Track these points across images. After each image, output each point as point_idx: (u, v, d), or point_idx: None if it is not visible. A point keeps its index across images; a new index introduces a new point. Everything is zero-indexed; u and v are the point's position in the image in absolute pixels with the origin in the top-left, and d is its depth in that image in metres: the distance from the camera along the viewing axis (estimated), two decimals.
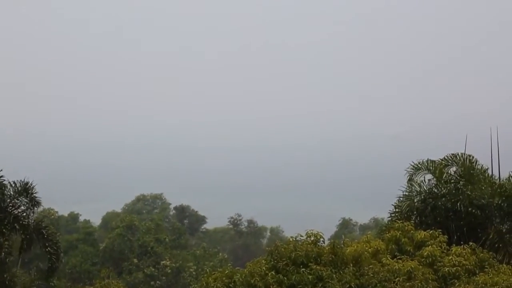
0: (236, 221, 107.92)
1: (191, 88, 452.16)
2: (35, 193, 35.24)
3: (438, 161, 31.08)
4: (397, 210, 30.90)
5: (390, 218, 31.19)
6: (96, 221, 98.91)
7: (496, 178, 30.75)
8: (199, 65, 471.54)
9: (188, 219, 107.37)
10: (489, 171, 31.11)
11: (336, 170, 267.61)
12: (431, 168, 30.68)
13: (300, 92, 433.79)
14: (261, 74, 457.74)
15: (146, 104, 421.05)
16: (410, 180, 31.17)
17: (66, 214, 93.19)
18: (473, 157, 31.00)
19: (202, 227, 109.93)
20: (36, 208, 35.48)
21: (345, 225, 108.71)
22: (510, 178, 29.63)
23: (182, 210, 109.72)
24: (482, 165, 30.90)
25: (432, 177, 30.66)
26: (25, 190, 34.85)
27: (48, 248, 34.54)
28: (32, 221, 34.97)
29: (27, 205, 34.69)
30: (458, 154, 31.20)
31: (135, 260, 71.63)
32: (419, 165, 30.93)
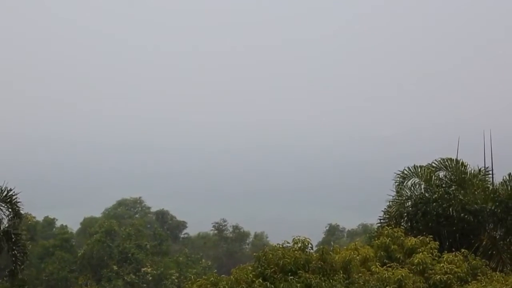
0: (220, 226, 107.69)
1: (176, 87, 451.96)
2: (18, 202, 33.48)
3: (428, 166, 31.22)
4: (386, 215, 30.99)
5: (379, 224, 31.25)
6: (74, 226, 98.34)
7: (490, 182, 30.89)
8: (190, 64, 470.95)
9: (168, 224, 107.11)
10: (482, 175, 31.27)
11: (323, 174, 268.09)
12: (420, 174, 30.82)
13: (287, 95, 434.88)
14: (247, 75, 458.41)
15: (127, 104, 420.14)
16: (400, 185, 31.27)
17: (41, 219, 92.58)
18: (465, 161, 31.15)
19: (184, 233, 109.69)
20: (18, 220, 34.20)
21: (332, 231, 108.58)
22: (504, 182, 29.76)
23: (162, 215, 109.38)
24: (478, 167, 31.11)
25: (422, 183, 30.79)
26: (5, 199, 33.52)
27: (15, 251, 34.02)
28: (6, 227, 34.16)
29: (8, 215, 33.55)
30: (449, 159, 31.32)
31: (115, 267, 71.24)
32: (407, 171, 31.10)
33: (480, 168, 31.10)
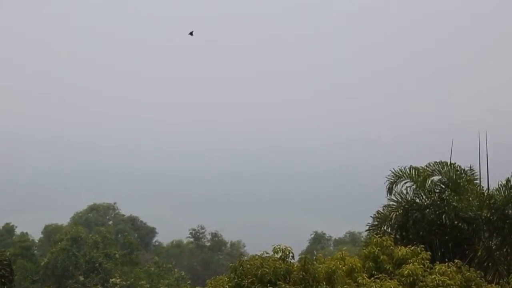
0: (198, 233, 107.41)
1: (153, 85, 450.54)
2: None
3: (422, 168, 31.19)
4: (375, 223, 31.02)
5: (367, 233, 31.32)
6: (36, 233, 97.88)
7: (485, 188, 30.95)
8: (164, 61, 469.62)
9: (138, 231, 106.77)
10: (477, 180, 31.37)
11: (308, 179, 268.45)
12: (413, 176, 30.81)
13: (274, 96, 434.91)
14: (232, 74, 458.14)
15: (99, 102, 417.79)
16: (390, 189, 31.30)
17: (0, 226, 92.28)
18: (459, 166, 31.19)
19: (154, 240, 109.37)
20: None
21: (318, 240, 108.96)
22: (500, 188, 29.78)
23: (132, 222, 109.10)
24: (472, 169, 31.15)
25: (414, 186, 30.78)
26: None
27: (2, 271, 33.75)
28: None
29: None
30: (442, 162, 31.36)
31: (81, 278, 70.87)
32: (400, 172, 31.04)
33: (470, 167, 31.09)
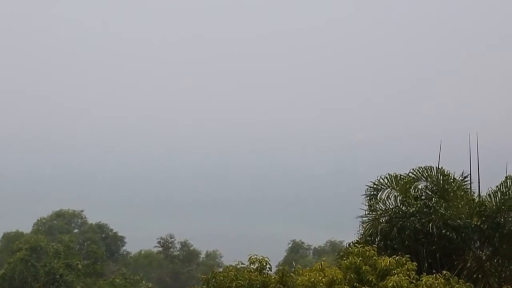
0: (166, 243, 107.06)
1: (124, 84, 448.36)
2: None
3: (405, 175, 31.30)
4: (358, 231, 31.08)
5: (347, 242, 31.30)
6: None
7: (475, 195, 31.05)
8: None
9: (106, 240, 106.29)
10: (467, 186, 31.50)
11: (286, 184, 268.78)
12: (395, 185, 30.94)
13: (254, 95, 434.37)
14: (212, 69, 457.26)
15: (65, 100, 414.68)
16: (372, 196, 31.35)
17: None
18: (448, 171, 31.29)
19: (122, 250, 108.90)
20: None
21: (296, 249, 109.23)
22: (491, 194, 29.89)
23: (99, 229, 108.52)
24: (465, 177, 31.26)
25: (398, 193, 30.89)
26: None
27: None
28: None
29: None
30: (429, 167, 31.46)
31: None
32: (381, 181, 31.15)
33: (463, 174, 31.17)
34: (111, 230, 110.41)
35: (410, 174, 31.45)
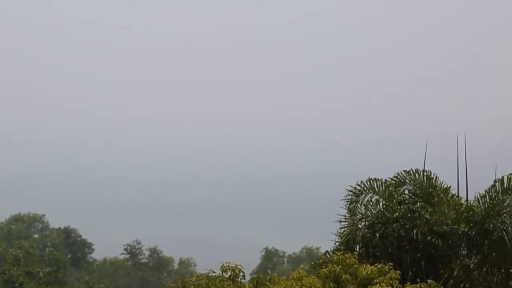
0: (134, 250, 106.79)
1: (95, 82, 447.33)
2: None
3: (388, 179, 31.15)
4: (337, 238, 30.77)
5: (324, 249, 31.45)
6: None
7: (463, 199, 30.87)
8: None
9: (71, 246, 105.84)
10: (454, 191, 31.27)
11: (260, 188, 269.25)
12: (377, 189, 30.78)
13: (226, 93, 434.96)
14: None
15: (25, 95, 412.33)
16: (353, 201, 31.11)
17: None
18: (432, 173, 31.07)
19: (89, 257, 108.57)
20: None
21: (270, 257, 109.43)
22: (480, 199, 29.73)
23: (66, 235, 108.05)
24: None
25: (380, 198, 30.70)
26: None
27: None
28: None
29: None
30: (413, 170, 31.29)
31: None
32: (362, 185, 30.96)
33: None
34: (80, 236, 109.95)
35: (394, 178, 31.34)
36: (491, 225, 28.97)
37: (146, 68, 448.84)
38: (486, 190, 29.82)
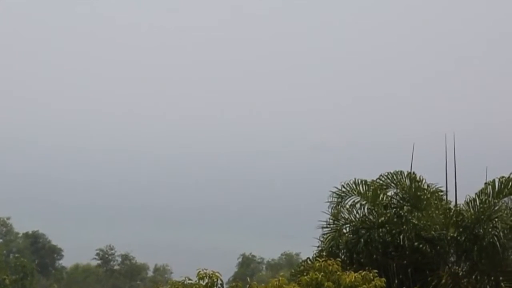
0: (106, 255, 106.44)
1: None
2: None
3: (373, 181, 31.07)
4: (318, 243, 30.63)
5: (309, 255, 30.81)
6: None
7: (452, 203, 30.74)
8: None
9: (39, 252, 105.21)
10: (443, 194, 31.14)
11: (238, 192, 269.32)
12: (362, 192, 30.66)
13: (199, 91, 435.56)
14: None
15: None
16: (336, 205, 31.01)
17: None
18: (420, 176, 30.92)
19: (58, 263, 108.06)
20: None
21: (247, 263, 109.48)
22: (469, 203, 29.57)
23: (34, 240, 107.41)
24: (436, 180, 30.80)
25: (365, 202, 30.61)
26: None
27: None
28: None
29: None
30: (399, 172, 31.18)
31: None
32: (345, 188, 30.86)
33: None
34: (48, 241, 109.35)
35: (379, 180, 31.23)
36: (482, 230, 28.79)
37: (119, 63, 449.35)
38: (476, 194, 29.71)
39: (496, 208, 29.16)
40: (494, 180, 29.68)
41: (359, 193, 30.79)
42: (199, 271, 23.57)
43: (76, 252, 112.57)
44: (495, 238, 28.23)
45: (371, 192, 30.56)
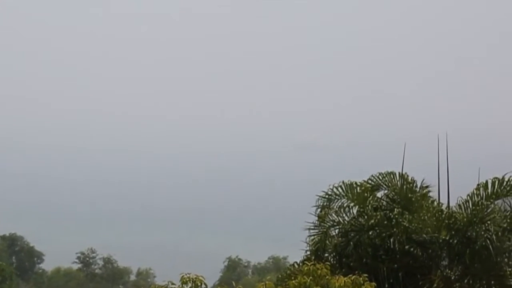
0: (87, 259, 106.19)
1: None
2: None
3: (363, 182, 30.92)
4: (306, 247, 30.65)
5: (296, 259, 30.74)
6: None
7: (444, 205, 30.55)
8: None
9: (17, 255, 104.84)
10: (435, 196, 30.99)
11: (224, 194, 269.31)
12: (351, 194, 30.56)
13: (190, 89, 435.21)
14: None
15: None
16: (324, 207, 30.85)
17: None
18: (411, 177, 30.87)
19: (38, 267, 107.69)
20: None
21: (233, 267, 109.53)
22: (462, 205, 29.48)
23: (11, 243, 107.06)
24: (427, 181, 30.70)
25: (353, 204, 30.53)
26: None
27: None
28: None
29: None
30: (390, 173, 31.13)
31: None
32: (334, 190, 30.72)
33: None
34: (27, 243, 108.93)
35: (369, 182, 31.12)
36: (474, 233, 28.67)
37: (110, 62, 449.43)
38: (468, 195, 29.58)
39: (489, 210, 29.03)
40: (487, 182, 29.54)
41: (348, 195, 30.66)
42: (183, 275, 23.35)
43: (60, 255, 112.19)
44: (488, 241, 28.09)
45: (360, 194, 30.46)
